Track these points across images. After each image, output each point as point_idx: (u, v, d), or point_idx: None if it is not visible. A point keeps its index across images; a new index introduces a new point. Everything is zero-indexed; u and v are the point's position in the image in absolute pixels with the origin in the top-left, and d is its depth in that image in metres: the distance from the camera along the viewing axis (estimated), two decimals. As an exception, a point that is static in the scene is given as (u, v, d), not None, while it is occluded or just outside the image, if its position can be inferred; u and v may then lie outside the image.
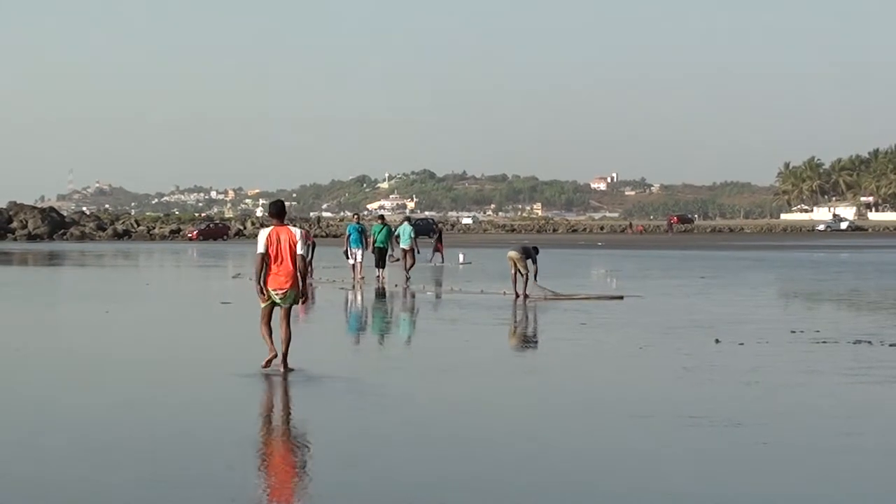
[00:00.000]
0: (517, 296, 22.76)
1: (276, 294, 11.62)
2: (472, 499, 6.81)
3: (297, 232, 11.70)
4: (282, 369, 11.54)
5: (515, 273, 23.07)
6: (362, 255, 28.68)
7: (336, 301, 22.98)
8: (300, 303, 11.98)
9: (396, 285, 26.75)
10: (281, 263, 11.59)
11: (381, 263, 28.43)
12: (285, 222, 11.80)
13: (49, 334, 16.61)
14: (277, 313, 11.84)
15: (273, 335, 11.79)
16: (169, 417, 9.40)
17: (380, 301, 23.31)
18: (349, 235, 29.18)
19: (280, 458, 8.12)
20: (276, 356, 11.63)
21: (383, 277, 27.78)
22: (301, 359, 11.92)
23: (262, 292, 11.68)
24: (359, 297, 24.17)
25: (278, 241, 11.60)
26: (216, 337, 16.50)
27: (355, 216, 31.81)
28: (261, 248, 11.60)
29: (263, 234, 11.73)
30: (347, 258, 29.27)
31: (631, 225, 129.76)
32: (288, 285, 11.57)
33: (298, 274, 11.59)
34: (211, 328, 17.78)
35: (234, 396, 10.57)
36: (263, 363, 11.67)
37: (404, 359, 14.12)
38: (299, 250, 11.58)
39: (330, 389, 11.04)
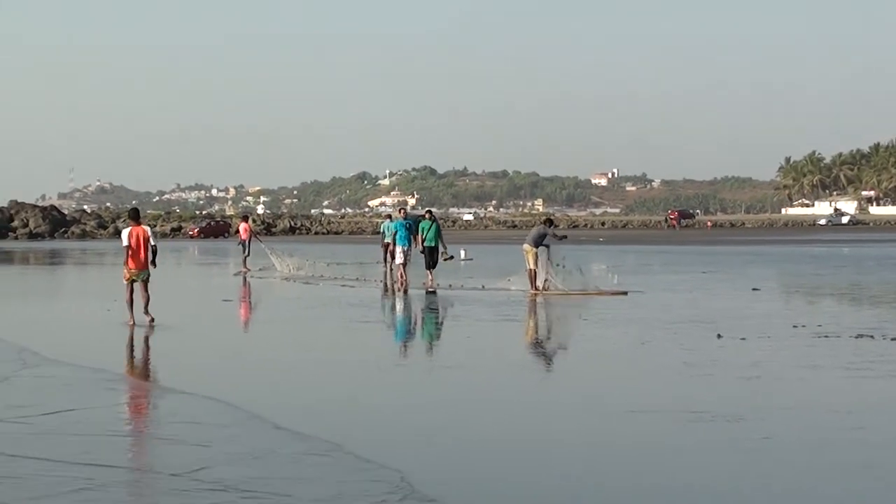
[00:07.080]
0: (536, 290, 22.70)
1: (134, 272, 16.76)
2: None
3: (148, 229, 17.00)
4: (147, 319, 16.48)
5: (532, 266, 22.96)
6: (409, 256, 26.39)
7: (362, 298, 22.80)
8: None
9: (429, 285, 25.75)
10: (139, 252, 16.76)
11: (431, 264, 25.95)
12: (140, 222, 16.99)
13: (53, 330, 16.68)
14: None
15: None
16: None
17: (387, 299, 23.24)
18: (395, 232, 26.81)
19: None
20: (134, 324, 16.37)
21: (432, 279, 25.41)
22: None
23: (126, 273, 16.75)
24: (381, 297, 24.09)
25: (137, 236, 16.78)
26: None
27: (402, 210, 29.45)
28: (125, 242, 16.82)
29: (125, 231, 16.97)
30: (394, 258, 26.91)
31: (667, 219, 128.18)
32: (143, 266, 16.79)
33: (149, 257, 16.78)
34: (209, 327, 17.84)
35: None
36: (128, 321, 16.54)
37: (411, 355, 14.16)
38: (151, 241, 16.85)
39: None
